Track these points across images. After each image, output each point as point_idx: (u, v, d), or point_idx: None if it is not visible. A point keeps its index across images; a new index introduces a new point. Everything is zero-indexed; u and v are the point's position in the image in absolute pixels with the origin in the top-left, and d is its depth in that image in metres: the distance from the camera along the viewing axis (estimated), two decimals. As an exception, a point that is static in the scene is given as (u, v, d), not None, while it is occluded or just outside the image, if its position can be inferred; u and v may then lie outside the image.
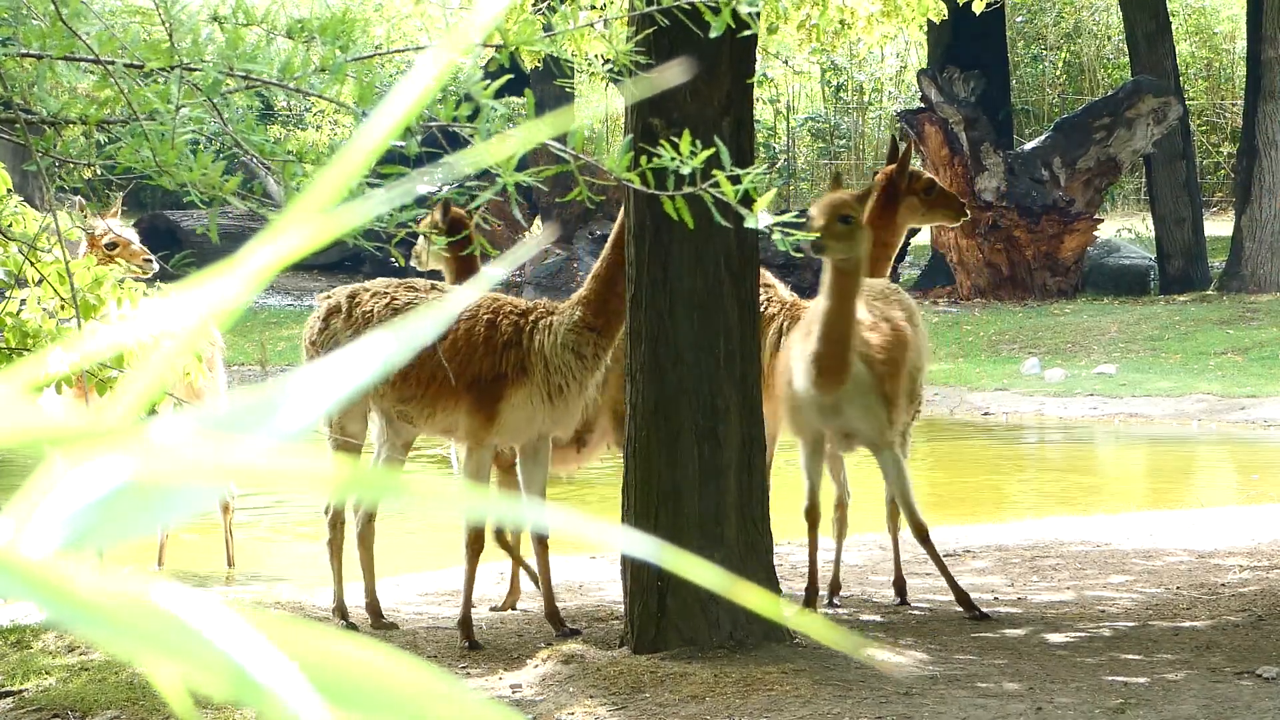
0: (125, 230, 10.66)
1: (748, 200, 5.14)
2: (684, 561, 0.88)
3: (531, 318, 7.96)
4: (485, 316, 7.94)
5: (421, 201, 6.02)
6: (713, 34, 4.80)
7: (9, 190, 6.85)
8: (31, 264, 6.70)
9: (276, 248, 0.89)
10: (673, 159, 4.97)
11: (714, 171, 5.04)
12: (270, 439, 0.88)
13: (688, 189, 5.10)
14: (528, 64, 7.65)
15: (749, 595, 0.93)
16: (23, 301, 6.91)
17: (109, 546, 0.88)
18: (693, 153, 4.95)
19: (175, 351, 0.90)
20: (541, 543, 8.12)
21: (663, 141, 5.07)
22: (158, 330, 0.92)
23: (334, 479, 0.85)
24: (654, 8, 4.87)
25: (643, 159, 5.04)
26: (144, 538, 9.60)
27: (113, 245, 10.17)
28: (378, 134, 0.90)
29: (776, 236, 5.12)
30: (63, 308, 6.76)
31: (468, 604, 7.95)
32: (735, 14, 4.84)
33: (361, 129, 0.92)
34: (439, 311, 0.93)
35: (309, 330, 8.43)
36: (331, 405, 0.90)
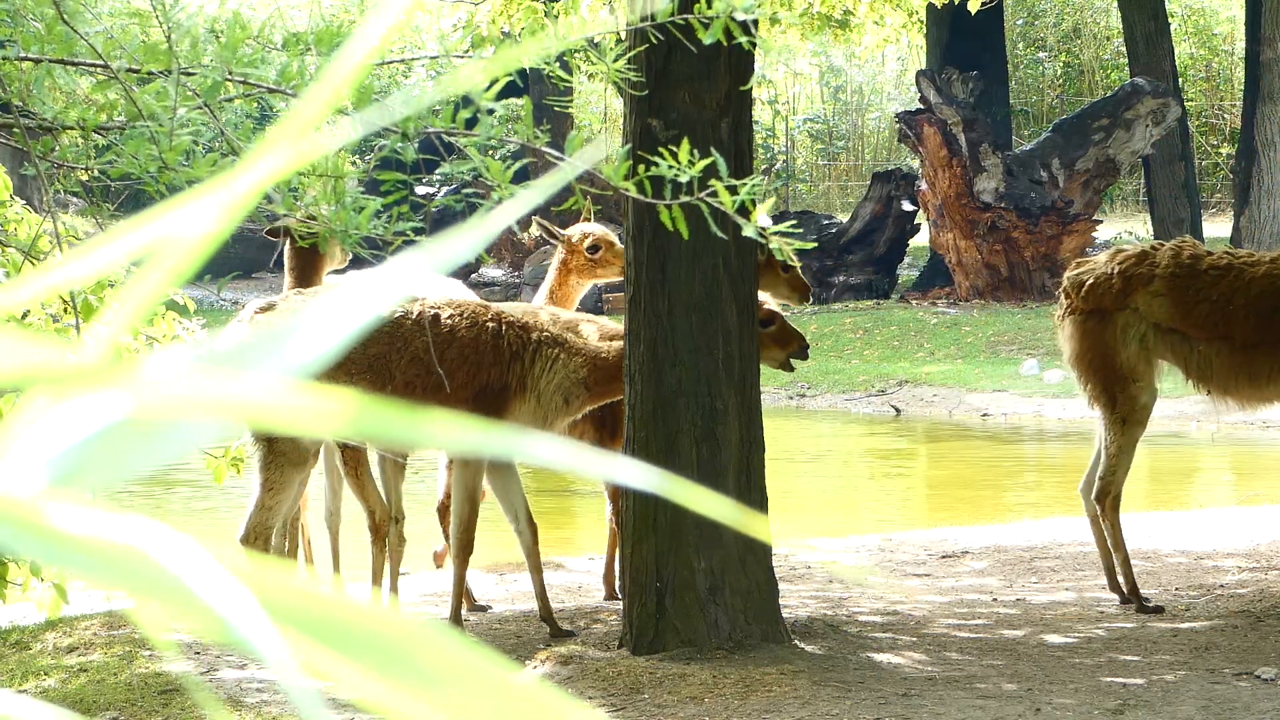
0: (599, 226, 9.36)
1: (745, 209, 5.14)
2: (688, 492, 0.88)
3: (533, 337, 7.90)
4: (489, 324, 7.89)
5: (417, 208, 6.02)
6: (707, 40, 4.80)
7: (10, 195, 6.86)
8: (33, 265, 6.71)
9: (250, 178, 0.87)
10: (671, 168, 4.97)
11: (711, 181, 5.04)
12: (274, 374, 0.87)
13: (685, 198, 5.10)
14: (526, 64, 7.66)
15: (753, 525, 0.93)
16: (22, 303, 6.92)
17: (103, 485, 0.86)
18: (691, 161, 4.95)
19: (156, 285, 0.88)
20: (533, 542, 8.11)
21: (662, 150, 5.07)
22: (127, 261, 0.89)
23: (344, 414, 0.83)
24: (648, 23, 4.87)
25: (640, 168, 5.05)
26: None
27: (595, 248, 9.17)
28: (347, 71, 0.89)
29: (774, 246, 5.12)
30: (65, 310, 6.77)
31: (458, 608, 7.97)
32: (730, 24, 4.84)
33: (329, 68, 0.90)
34: (433, 256, 0.91)
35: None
36: (338, 343, 0.87)
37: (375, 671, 0.81)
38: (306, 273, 9.12)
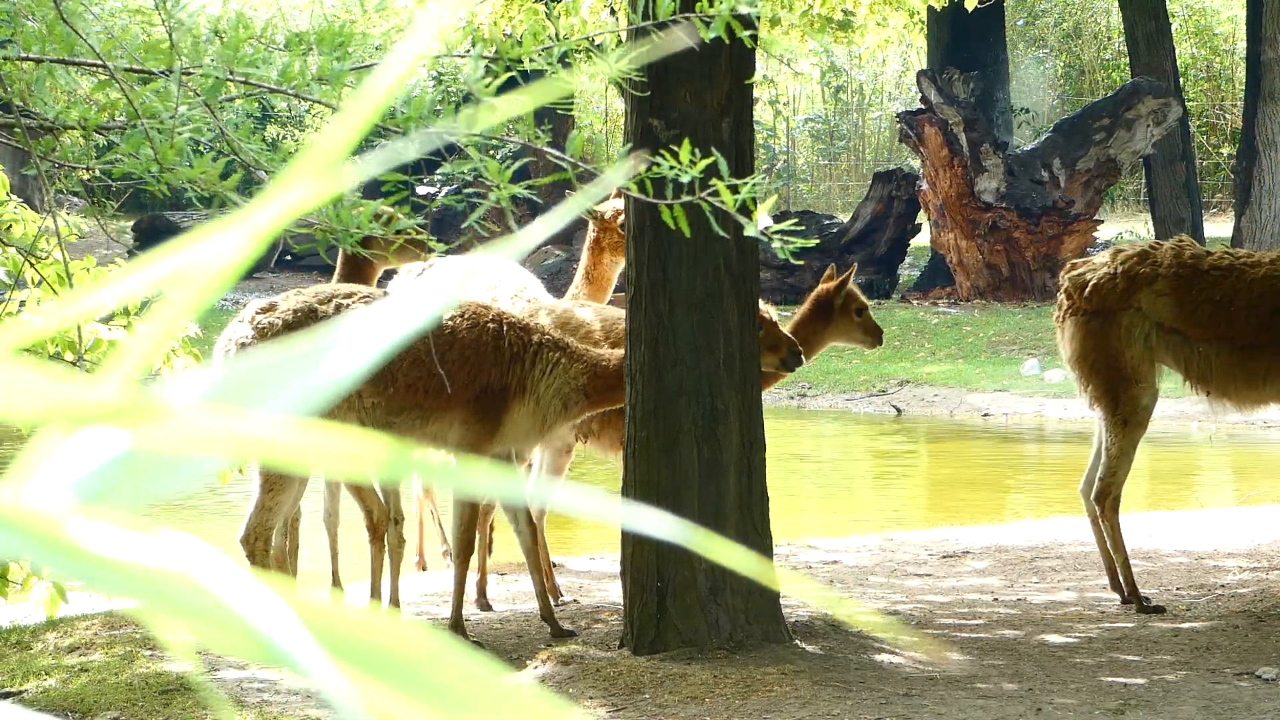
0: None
1: (747, 208, 5.14)
2: (710, 543, 0.88)
3: (535, 339, 7.90)
4: (490, 325, 7.89)
5: (419, 208, 6.02)
6: (709, 37, 4.80)
7: (8, 194, 6.87)
8: (31, 265, 6.71)
9: (278, 206, 0.87)
10: (672, 168, 4.97)
11: (713, 181, 5.03)
12: (288, 410, 0.86)
13: (686, 197, 5.09)
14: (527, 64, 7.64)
15: (763, 575, 0.93)
16: (22, 303, 6.92)
17: (127, 506, 0.86)
18: (692, 161, 4.95)
19: (176, 316, 0.88)
20: (533, 543, 8.11)
21: (663, 151, 5.07)
22: (147, 292, 0.89)
23: (375, 457, 0.83)
24: (648, 22, 4.87)
25: (641, 167, 5.05)
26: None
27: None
28: (372, 101, 0.89)
29: (776, 244, 5.12)
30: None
31: (458, 607, 7.97)
32: (731, 22, 4.84)
33: (356, 98, 0.90)
34: (455, 282, 0.90)
35: (249, 336, 7.83)
36: (354, 373, 0.87)
37: (384, 683, 0.81)
38: (355, 275, 9.01)
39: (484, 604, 8.70)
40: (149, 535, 0.82)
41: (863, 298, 8.73)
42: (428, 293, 0.89)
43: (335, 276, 9.18)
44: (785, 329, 8.18)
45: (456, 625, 7.95)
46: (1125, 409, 8.53)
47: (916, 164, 26.31)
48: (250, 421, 0.83)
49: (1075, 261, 9.03)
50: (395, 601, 8.21)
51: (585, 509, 0.86)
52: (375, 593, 8.41)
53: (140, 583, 0.82)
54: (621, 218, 9.03)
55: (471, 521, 8.06)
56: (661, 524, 0.88)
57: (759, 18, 5.80)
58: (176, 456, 0.85)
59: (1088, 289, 8.61)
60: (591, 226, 9.21)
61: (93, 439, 0.85)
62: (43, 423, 0.84)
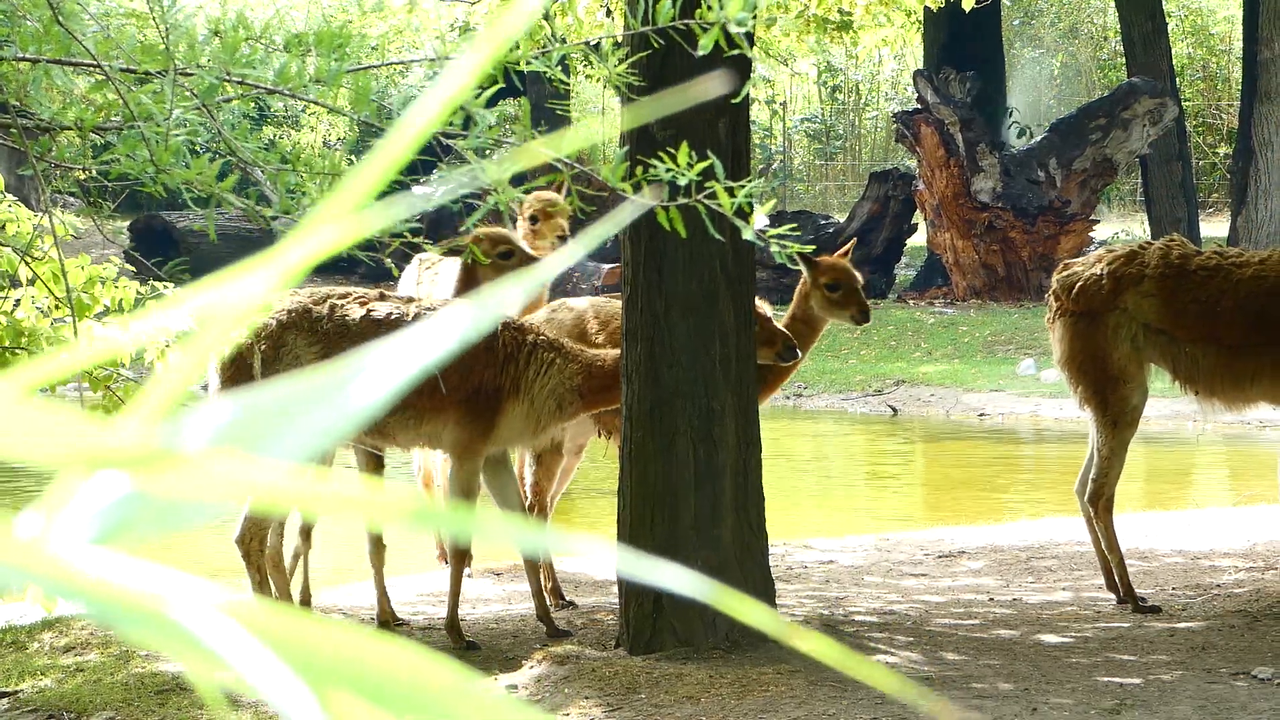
0: (547, 194, 9.00)
1: (744, 211, 5.14)
2: (729, 599, 0.88)
3: (529, 339, 7.91)
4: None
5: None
6: (701, 51, 4.80)
7: (3, 193, 6.87)
8: (26, 264, 6.71)
9: (306, 247, 0.88)
10: (669, 170, 4.97)
11: (709, 183, 5.03)
12: (307, 442, 0.87)
13: (683, 200, 5.09)
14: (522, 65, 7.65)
15: (810, 642, 0.92)
16: (17, 301, 6.92)
17: (141, 542, 0.87)
18: (690, 164, 4.95)
19: (200, 355, 0.88)
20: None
21: (660, 153, 5.07)
22: (173, 330, 0.90)
23: (393, 510, 0.83)
24: (648, 28, 4.87)
25: (638, 170, 5.05)
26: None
27: (534, 218, 9.02)
28: (399, 146, 0.90)
29: (775, 249, 5.11)
30: (57, 307, 6.77)
31: (454, 607, 7.96)
32: (726, 32, 4.84)
33: (382, 142, 0.91)
34: (484, 308, 0.90)
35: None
36: (378, 401, 0.87)
37: (352, 693, 0.82)
38: (469, 287, 8.82)
39: (559, 604, 8.60)
40: (136, 563, 0.83)
41: (845, 274, 8.44)
42: (453, 316, 0.89)
43: (453, 291, 8.89)
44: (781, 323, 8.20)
45: (452, 626, 7.95)
46: (1115, 409, 8.53)
47: (913, 164, 26.32)
48: (264, 470, 0.84)
49: (1068, 261, 9.02)
50: (384, 605, 8.18)
51: (586, 554, 0.86)
52: (303, 590, 8.46)
53: (124, 611, 0.83)
54: (529, 210, 9.03)
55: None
56: (665, 574, 0.88)
57: (752, 33, 5.80)
58: (188, 501, 0.86)
59: (1075, 290, 8.61)
60: (520, 221, 9.16)
61: (108, 481, 0.86)
62: (59, 466, 0.85)
